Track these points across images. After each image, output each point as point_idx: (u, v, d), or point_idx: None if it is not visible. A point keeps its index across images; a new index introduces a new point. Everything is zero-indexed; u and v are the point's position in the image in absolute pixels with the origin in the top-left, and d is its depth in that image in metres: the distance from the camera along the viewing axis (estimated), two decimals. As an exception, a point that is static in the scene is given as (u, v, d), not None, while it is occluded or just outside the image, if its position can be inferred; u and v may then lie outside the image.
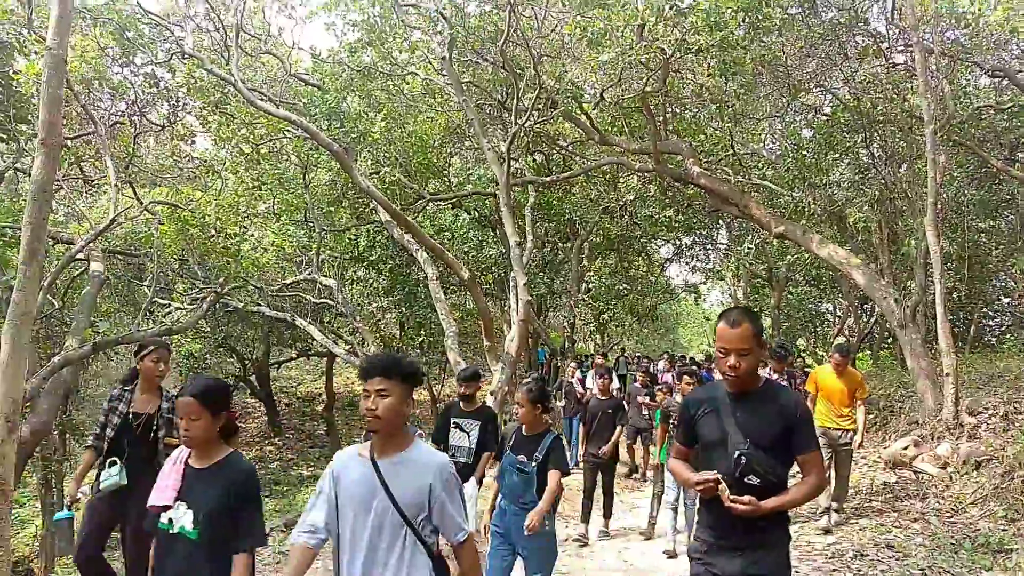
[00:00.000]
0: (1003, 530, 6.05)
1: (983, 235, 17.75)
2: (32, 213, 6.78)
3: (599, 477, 7.93)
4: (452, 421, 6.04)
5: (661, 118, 13.93)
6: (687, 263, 24.11)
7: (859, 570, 5.58)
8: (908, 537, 6.41)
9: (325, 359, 23.12)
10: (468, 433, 5.95)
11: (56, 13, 7.07)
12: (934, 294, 10.44)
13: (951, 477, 8.27)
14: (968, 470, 8.18)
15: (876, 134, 14.36)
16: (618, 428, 8.18)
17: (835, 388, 7.37)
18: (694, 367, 13.41)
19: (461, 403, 6.14)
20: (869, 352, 23.59)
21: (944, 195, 15.14)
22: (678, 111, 15.40)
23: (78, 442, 18.91)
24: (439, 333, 14.95)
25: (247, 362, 21.63)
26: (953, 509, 7.19)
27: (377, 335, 17.32)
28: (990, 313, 21.92)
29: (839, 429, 7.34)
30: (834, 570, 5.68)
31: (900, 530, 6.70)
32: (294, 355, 23.46)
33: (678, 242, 22.43)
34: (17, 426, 6.74)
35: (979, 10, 12.07)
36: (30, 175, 7.63)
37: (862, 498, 8.20)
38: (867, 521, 7.18)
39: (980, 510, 6.91)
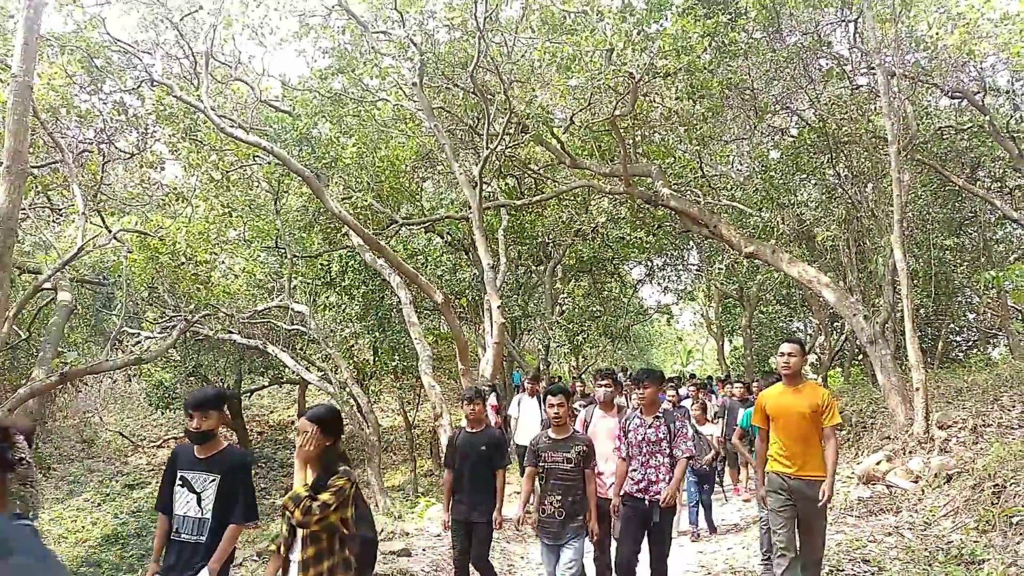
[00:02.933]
0: (974, 542, 6.12)
1: (948, 252, 18.10)
2: (-3, 242, 6.70)
3: None
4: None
5: (630, 141, 14.10)
6: (659, 284, 24.30)
7: (836, 586, 5.61)
8: (883, 551, 6.46)
9: (298, 387, 22.89)
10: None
11: (21, 40, 7.03)
12: (902, 310, 10.63)
13: (923, 491, 8.36)
14: (940, 483, 8.28)
15: (842, 154, 14.64)
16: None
17: (791, 412, 5.30)
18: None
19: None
20: (840, 369, 23.86)
21: (909, 213, 15.43)
22: (647, 134, 15.58)
23: (44, 476, 18.55)
24: (413, 357, 14.89)
25: (219, 391, 21.32)
26: (926, 522, 7.27)
27: (350, 361, 17.20)
28: (956, 329, 22.31)
29: (804, 478, 5.20)
30: (811, 586, 5.69)
31: (875, 544, 6.75)
32: (266, 383, 23.21)
33: (650, 263, 22.60)
34: (-18, 459, 6.61)
35: (937, 34, 12.42)
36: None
37: (836, 513, 8.25)
38: (842, 536, 7.23)
39: (952, 522, 6.98)
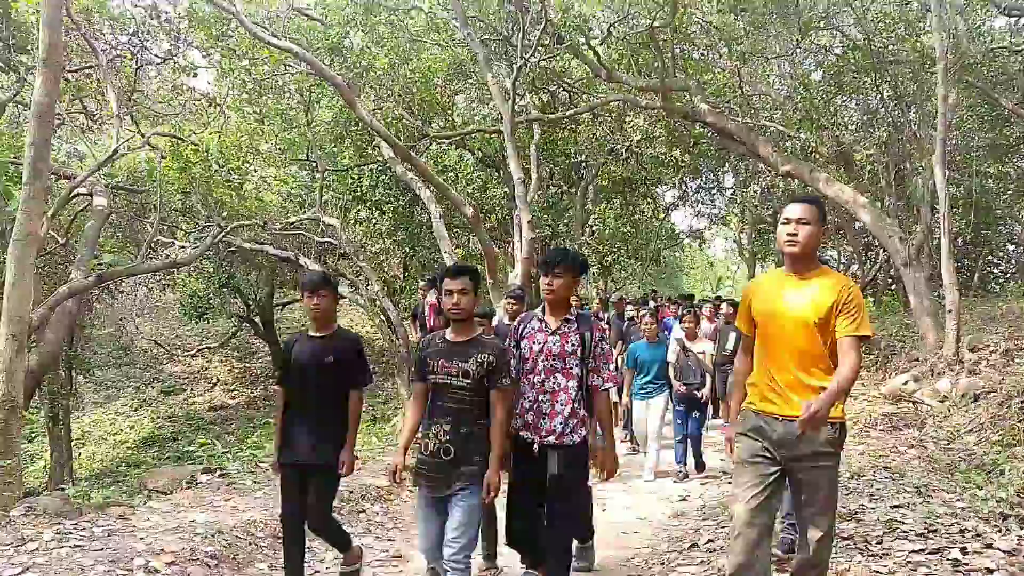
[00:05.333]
0: (997, 454, 6.13)
1: (991, 180, 17.63)
2: (35, 133, 6.78)
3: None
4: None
5: (669, 55, 13.73)
6: (692, 208, 24.03)
7: (855, 487, 5.66)
8: (905, 461, 6.50)
9: (329, 301, 23.18)
10: None
11: (54, -71, 6.95)
12: (939, 234, 10.43)
13: (949, 409, 8.35)
14: (967, 403, 8.25)
15: (887, 75, 14.16)
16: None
17: (790, 314, 3.29)
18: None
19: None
20: (872, 297, 23.62)
21: (953, 138, 15.00)
22: (686, 49, 15.17)
23: (84, 377, 19.18)
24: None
25: (251, 303, 21.72)
26: (950, 437, 7.28)
27: (381, 275, 17.36)
28: (995, 260, 21.90)
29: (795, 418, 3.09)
30: (831, 489, 5.77)
31: (897, 455, 6.79)
32: (298, 297, 23.55)
33: (684, 185, 22.31)
34: (25, 345, 6.83)
35: (996, -56, 11.81)
36: (31, 106, 7.60)
37: (860, 428, 8.29)
38: (865, 447, 7.27)
39: (976, 437, 6.99)
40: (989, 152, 16.74)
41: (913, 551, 4.04)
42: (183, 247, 15.24)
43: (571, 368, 3.81)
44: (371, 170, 16.80)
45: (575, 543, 4.46)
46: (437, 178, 12.80)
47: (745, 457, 3.34)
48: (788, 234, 3.29)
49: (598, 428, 4.01)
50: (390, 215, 17.38)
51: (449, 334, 3.78)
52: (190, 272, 19.14)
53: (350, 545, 4.39)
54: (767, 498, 3.23)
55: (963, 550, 3.98)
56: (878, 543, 4.27)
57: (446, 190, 12.66)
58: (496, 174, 18.53)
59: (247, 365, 23.77)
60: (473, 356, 3.65)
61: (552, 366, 3.81)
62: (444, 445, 3.61)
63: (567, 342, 3.82)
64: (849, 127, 16.18)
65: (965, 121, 15.89)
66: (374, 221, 17.68)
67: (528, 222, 12.26)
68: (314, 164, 15.71)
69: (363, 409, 4.38)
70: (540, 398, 3.81)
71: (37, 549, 4.60)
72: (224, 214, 13.78)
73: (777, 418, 3.27)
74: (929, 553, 4.00)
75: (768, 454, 3.27)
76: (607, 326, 11.66)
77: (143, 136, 12.53)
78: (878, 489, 5.57)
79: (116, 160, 12.48)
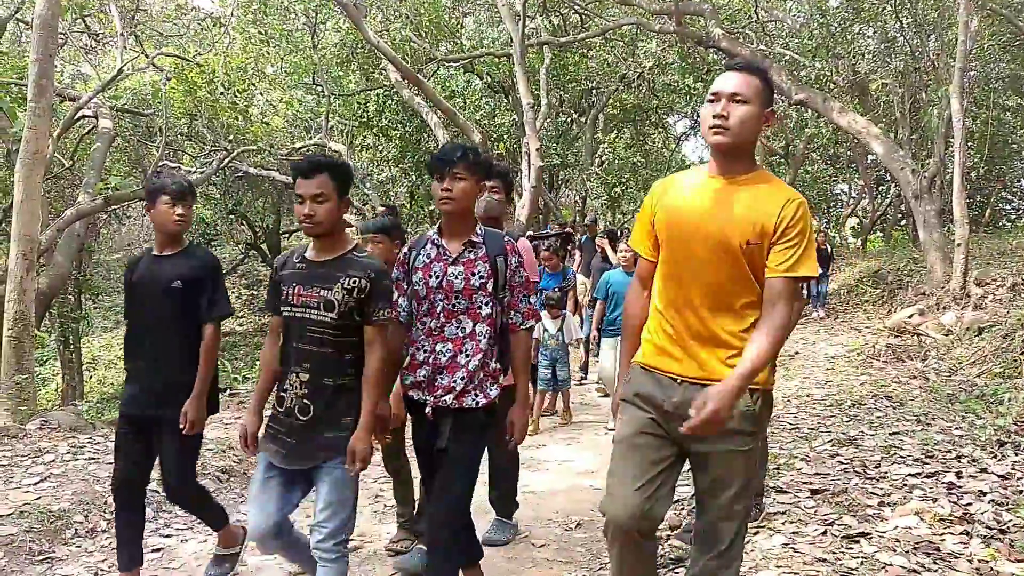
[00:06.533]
0: (998, 385, 6.18)
1: (1009, 113, 17.31)
2: (38, 49, 6.68)
3: None
4: None
5: (683, -23, 13.35)
6: (704, 138, 23.69)
7: (856, 416, 5.74)
8: (906, 391, 6.56)
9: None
10: None
11: None
12: (952, 167, 10.30)
13: (953, 342, 8.39)
14: (971, 336, 8.28)
15: (907, 1, 13.77)
16: None
17: (704, 230, 2.28)
18: None
19: None
20: (881, 233, 23.51)
21: (973, 70, 14.66)
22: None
23: (93, 302, 19.36)
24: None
25: (258, 230, 21.75)
26: (952, 369, 7.33)
27: (385, 201, 17.31)
28: (1007, 196, 21.69)
29: (704, 383, 2.24)
30: (831, 416, 5.85)
31: (899, 385, 6.86)
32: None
33: (696, 116, 21.97)
34: (35, 264, 6.88)
35: None
36: (32, 21, 7.48)
37: (864, 359, 8.36)
38: (867, 377, 7.34)
39: (978, 369, 7.03)
40: (1009, 84, 16.40)
41: (910, 475, 4.12)
42: (190, 171, 15.19)
43: (479, 307, 2.83)
44: (378, 95, 16.57)
45: (494, 517, 4.04)
46: (445, 103, 12.62)
47: (627, 434, 2.38)
48: (714, 116, 2.23)
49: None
50: (397, 141, 17.23)
51: (310, 251, 2.81)
52: (197, 198, 19.08)
53: (226, 522, 3.47)
54: (655, 493, 2.28)
55: (958, 474, 4.06)
56: (876, 467, 4.35)
57: (454, 115, 12.50)
58: (505, 100, 18.28)
59: (255, 292, 23.93)
60: (339, 281, 2.69)
61: (454, 306, 2.81)
62: (301, 401, 2.71)
63: (473, 273, 2.82)
64: (866, 56, 15.82)
65: (986, 51, 15.51)
66: (381, 147, 17.55)
67: (537, 150, 12.13)
68: (320, 88, 15.50)
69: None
70: (439, 348, 2.82)
71: (53, 461, 4.74)
72: (230, 138, 13.68)
73: (675, 379, 2.31)
74: (925, 477, 4.07)
75: (660, 430, 2.32)
76: (576, 249, 10.97)
77: (147, 57, 12.34)
78: (878, 417, 5.65)
79: (120, 81, 12.33)
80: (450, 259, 2.83)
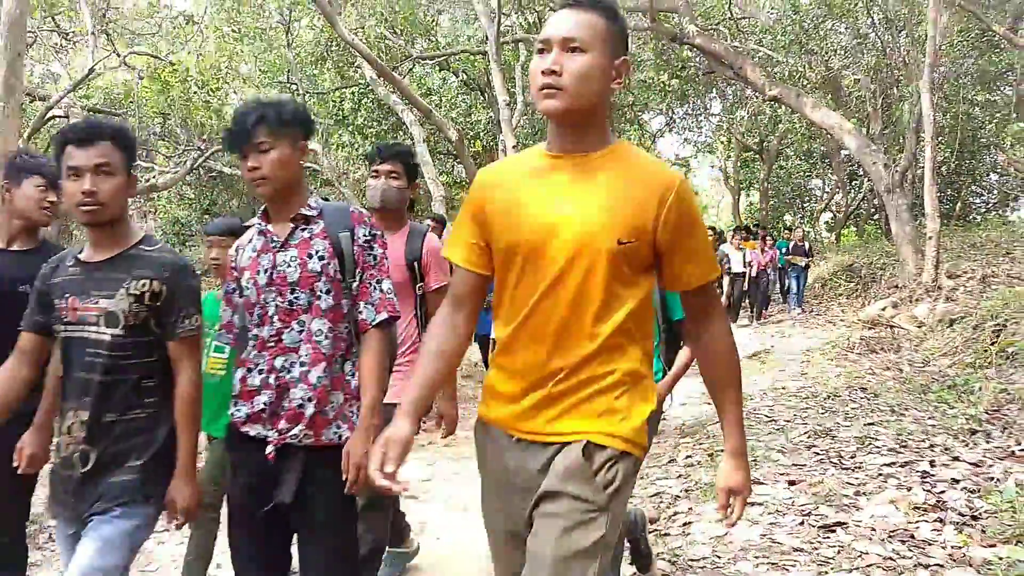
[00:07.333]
0: (969, 375, 6.28)
1: (978, 108, 17.56)
2: (6, 46, 6.57)
3: None
4: None
5: (658, -25, 13.41)
6: (679, 134, 23.85)
7: (831, 407, 5.81)
8: (880, 382, 6.65)
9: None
10: None
11: None
12: (923, 161, 10.45)
13: (925, 334, 8.52)
14: (942, 327, 8.41)
15: (878, -2, 13.97)
16: None
17: (573, 233, 1.59)
18: None
19: None
20: (855, 228, 23.77)
21: (943, 66, 14.87)
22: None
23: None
24: (426, 200, 14.89)
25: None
26: (925, 360, 7.44)
27: (363, 202, 17.21)
28: (977, 190, 21.99)
29: (546, 441, 1.64)
30: (807, 408, 5.92)
31: (873, 376, 6.95)
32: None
33: (671, 112, 22.09)
34: None
35: None
36: (0, 17, 7.35)
37: (838, 350, 8.46)
38: (842, 369, 7.43)
39: (950, 360, 7.14)
40: (977, 79, 16.64)
41: (884, 464, 4.18)
42: (163, 171, 15.05)
43: (320, 299, 2.12)
44: (353, 93, 16.49)
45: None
46: (421, 100, 12.59)
47: (496, 529, 1.78)
48: (543, 72, 1.58)
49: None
50: (372, 140, 17.14)
51: (86, 250, 2.15)
52: (171, 198, 18.93)
53: None
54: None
55: (932, 463, 4.12)
56: (851, 458, 4.41)
57: (429, 113, 12.47)
58: (481, 97, 18.25)
59: (231, 292, 23.72)
60: (123, 284, 2.05)
61: (292, 304, 2.11)
62: (79, 448, 2.03)
63: (310, 255, 2.13)
64: (838, 52, 16.01)
65: (955, 47, 15.74)
66: (356, 146, 17.44)
67: (513, 147, 12.12)
68: (295, 86, 15.40)
69: None
70: (278, 364, 2.10)
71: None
72: (204, 137, 13.57)
73: (512, 438, 1.69)
74: (900, 466, 4.14)
75: (526, 520, 1.65)
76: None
77: (119, 56, 12.20)
78: (853, 408, 5.71)
79: (92, 80, 12.19)
80: (278, 245, 2.14)
